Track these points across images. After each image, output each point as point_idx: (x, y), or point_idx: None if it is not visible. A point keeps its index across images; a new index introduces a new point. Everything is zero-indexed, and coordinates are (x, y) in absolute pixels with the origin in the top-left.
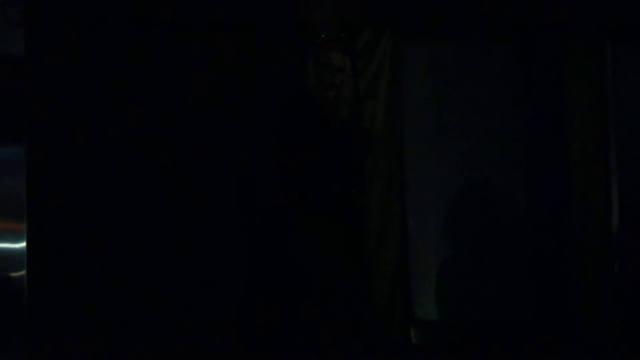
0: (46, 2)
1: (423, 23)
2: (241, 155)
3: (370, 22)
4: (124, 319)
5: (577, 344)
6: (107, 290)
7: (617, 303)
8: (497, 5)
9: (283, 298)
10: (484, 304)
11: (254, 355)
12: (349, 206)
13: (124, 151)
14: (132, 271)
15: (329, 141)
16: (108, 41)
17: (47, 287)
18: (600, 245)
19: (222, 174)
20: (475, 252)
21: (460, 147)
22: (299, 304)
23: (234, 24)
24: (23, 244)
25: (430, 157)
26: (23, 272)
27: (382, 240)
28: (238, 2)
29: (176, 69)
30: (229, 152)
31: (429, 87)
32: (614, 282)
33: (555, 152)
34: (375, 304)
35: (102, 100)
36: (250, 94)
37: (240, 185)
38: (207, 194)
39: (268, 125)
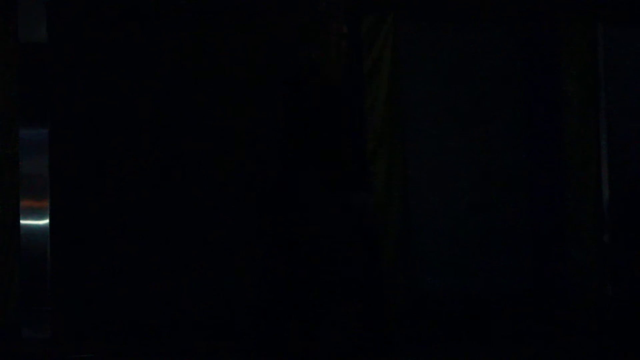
0: None
1: (424, 9)
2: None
3: (374, 7)
4: (142, 291)
5: (572, 314)
6: (125, 265)
7: (609, 275)
8: None
9: (291, 278)
10: (485, 278)
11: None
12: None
13: (142, 134)
14: (148, 248)
15: (340, 112)
16: (128, 29)
17: (69, 260)
18: (594, 222)
19: (236, 153)
20: (476, 230)
21: (460, 129)
22: (304, 284)
23: (249, 11)
24: (46, 221)
25: (432, 137)
26: (46, 247)
27: (386, 218)
28: None
29: (196, 57)
30: (245, 135)
31: (429, 70)
32: (606, 257)
33: (552, 135)
34: (380, 279)
35: (122, 86)
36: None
37: (252, 167)
38: (221, 179)
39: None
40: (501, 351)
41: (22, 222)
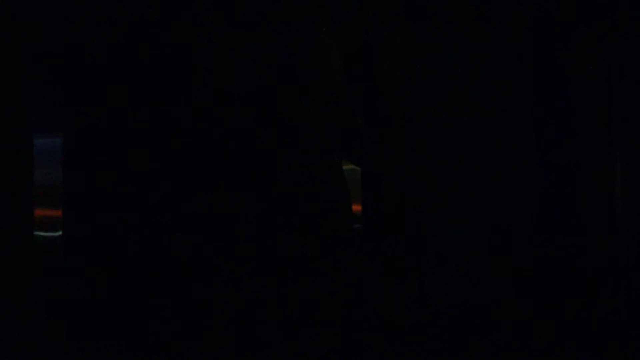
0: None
1: (437, 16)
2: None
3: (387, 15)
4: (157, 301)
5: (580, 325)
6: (139, 275)
7: (621, 281)
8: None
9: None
10: (494, 283)
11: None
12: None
13: (159, 143)
14: (163, 256)
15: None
16: (144, 36)
17: (83, 269)
18: (606, 227)
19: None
20: (486, 236)
21: (469, 132)
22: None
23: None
24: (60, 232)
25: (442, 143)
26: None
27: (395, 225)
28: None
29: (211, 62)
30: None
31: (443, 77)
32: (619, 262)
33: (563, 139)
34: (387, 286)
35: (138, 95)
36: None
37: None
38: (238, 184)
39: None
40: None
41: (36, 233)
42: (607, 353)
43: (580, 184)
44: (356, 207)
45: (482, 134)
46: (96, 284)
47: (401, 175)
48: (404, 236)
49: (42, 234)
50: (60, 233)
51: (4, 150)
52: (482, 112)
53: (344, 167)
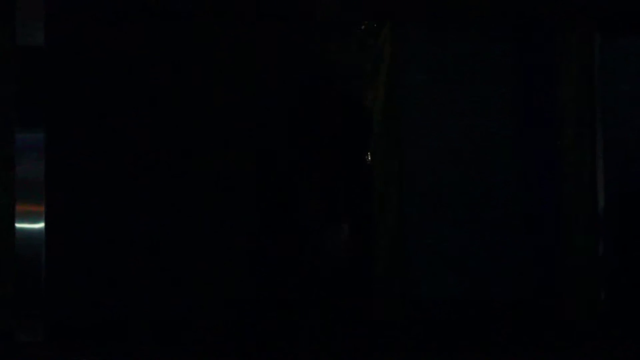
0: None
1: (422, 14)
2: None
3: (372, 12)
4: (137, 295)
5: (565, 320)
6: (120, 269)
7: (603, 282)
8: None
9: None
10: (479, 283)
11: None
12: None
13: (139, 138)
14: (143, 251)
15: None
16: (126, 32)
17: (64, 264)
18: (589, 228)
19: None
20: (470, 235)
21: (456, 131)
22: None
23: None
24: (41, 225)
25: (428, 138)
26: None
27: (381, 220)
28: None
29: (197, 57)
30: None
31: (428, 72)
32: (601, 263)
33: (547, 140)
34: (374, 282)
35: (120, 89)
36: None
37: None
38: (220, 181)
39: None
40: (494, 358)
41: (17, 225)
42: (597, 350)
43: (565, 181)
44: None
45: (472, 133)
46: (77, 277)
47: (392, 176)
48: (396, 236)
49: (23, 226)
50: (42, 226)
51: None
52: (471, 111)
53: None
